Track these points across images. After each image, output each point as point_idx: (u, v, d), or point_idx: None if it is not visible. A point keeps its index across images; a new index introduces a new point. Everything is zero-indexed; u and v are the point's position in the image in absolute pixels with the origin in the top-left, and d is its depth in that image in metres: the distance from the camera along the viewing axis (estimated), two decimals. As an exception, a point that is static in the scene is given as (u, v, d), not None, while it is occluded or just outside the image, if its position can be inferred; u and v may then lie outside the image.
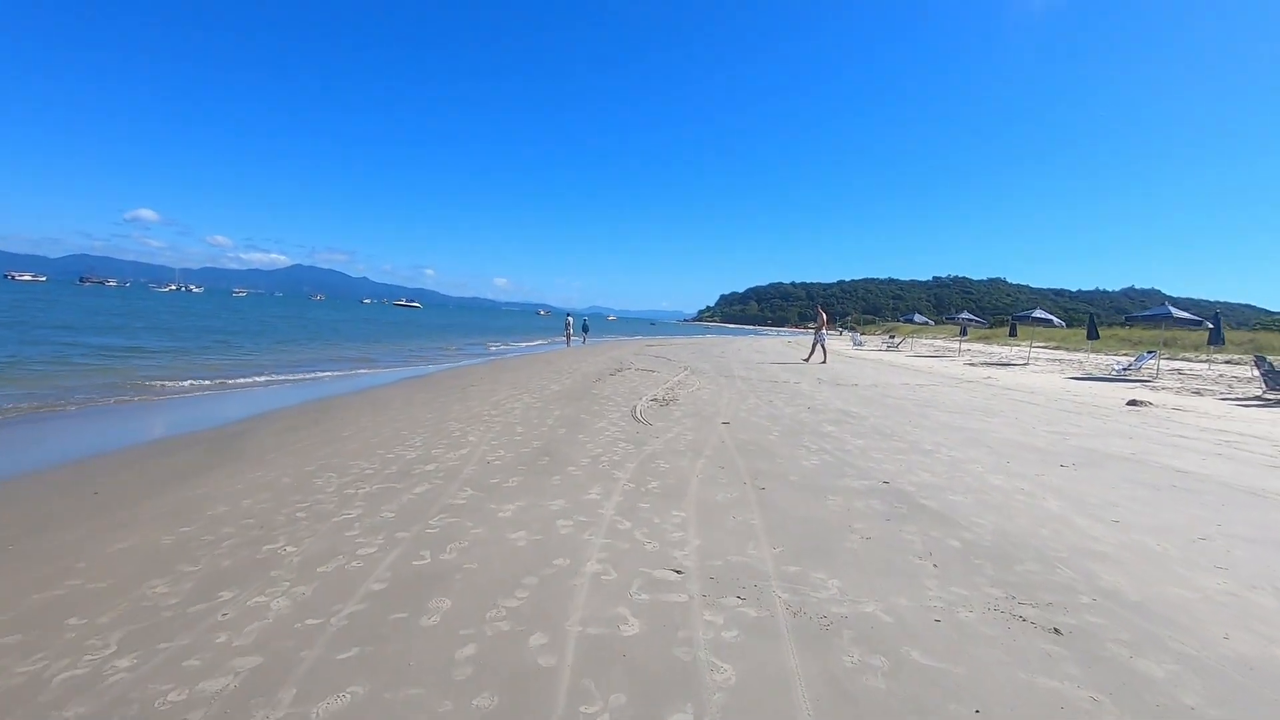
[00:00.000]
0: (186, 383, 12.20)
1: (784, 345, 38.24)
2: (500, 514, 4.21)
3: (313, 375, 14.53)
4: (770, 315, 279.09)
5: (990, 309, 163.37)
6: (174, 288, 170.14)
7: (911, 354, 27.54)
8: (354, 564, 3.37)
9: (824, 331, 19.99)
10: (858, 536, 3.86)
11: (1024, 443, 7.02)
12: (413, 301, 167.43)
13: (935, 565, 3.43)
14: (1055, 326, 21.60)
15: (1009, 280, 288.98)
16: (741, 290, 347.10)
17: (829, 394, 11.27)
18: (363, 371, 15.82)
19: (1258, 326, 36.83)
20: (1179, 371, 16.92)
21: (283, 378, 13.77)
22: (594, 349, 27.89)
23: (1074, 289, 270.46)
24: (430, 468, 5.48)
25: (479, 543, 3.69)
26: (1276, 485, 5.46)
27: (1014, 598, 3.05)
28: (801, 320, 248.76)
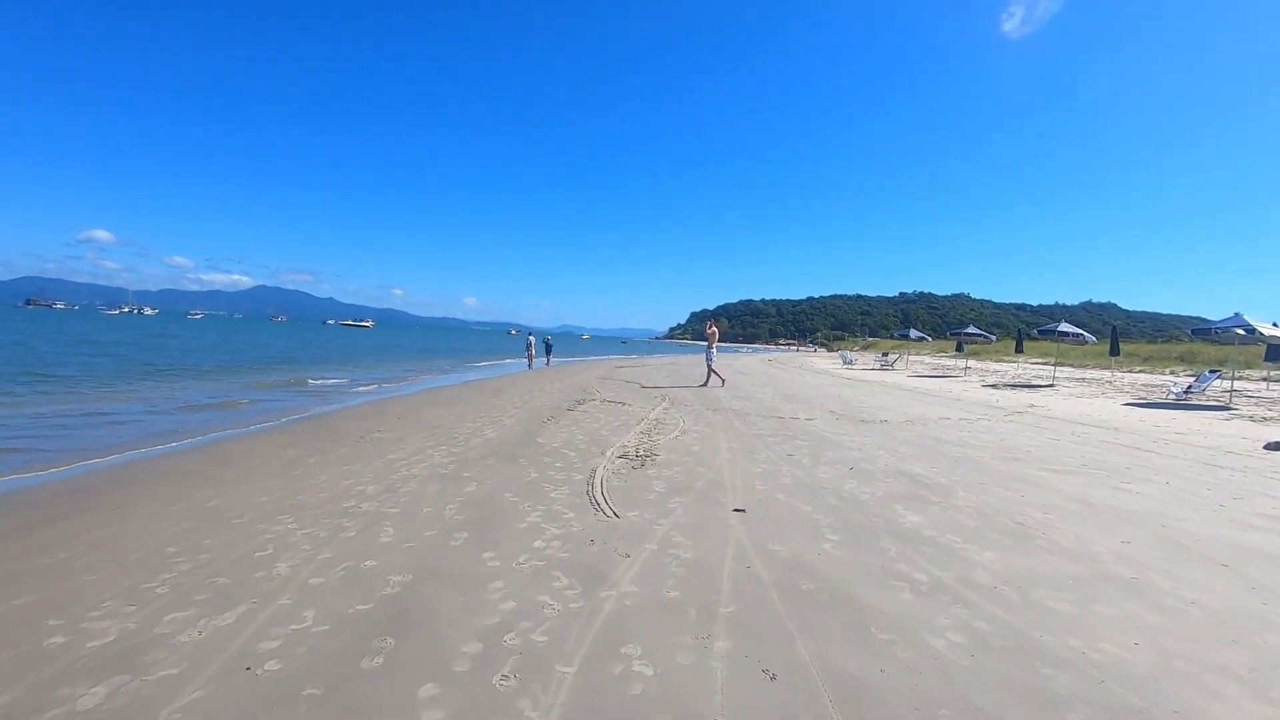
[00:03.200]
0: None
1: (765, 364, 35.51)
2: None
3: (173, 421, 11.11)
4: (741, 332, 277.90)
5: (955, 324, 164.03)
6: (126, 310, 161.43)
7: (911, 374, 24.88)
8: None
9: (713, 350, 16.94)
10: None
11: (1269, 552, 4.05)
12: (362, 321, 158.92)
13: None
14: (1088, 343, 19.08)
15: (972, 295, 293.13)
16: (712, 308, 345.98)
17: (863, 439, 8.29)
18: (237, 412, 12.33)
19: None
20: (1244, 393, 14.43)
21: (129, 427, 10.33)
22: (558, 372, 24.73)
23: (1035, 303, 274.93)
24: None
25: None
26: None
27: None
28: (772, 337, 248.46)
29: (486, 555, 3.82)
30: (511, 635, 2.80)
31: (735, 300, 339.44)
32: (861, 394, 15.43)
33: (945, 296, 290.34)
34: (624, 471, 6.16)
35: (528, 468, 6.34)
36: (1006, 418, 10.83)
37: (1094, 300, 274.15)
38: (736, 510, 4.79)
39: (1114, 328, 20.02)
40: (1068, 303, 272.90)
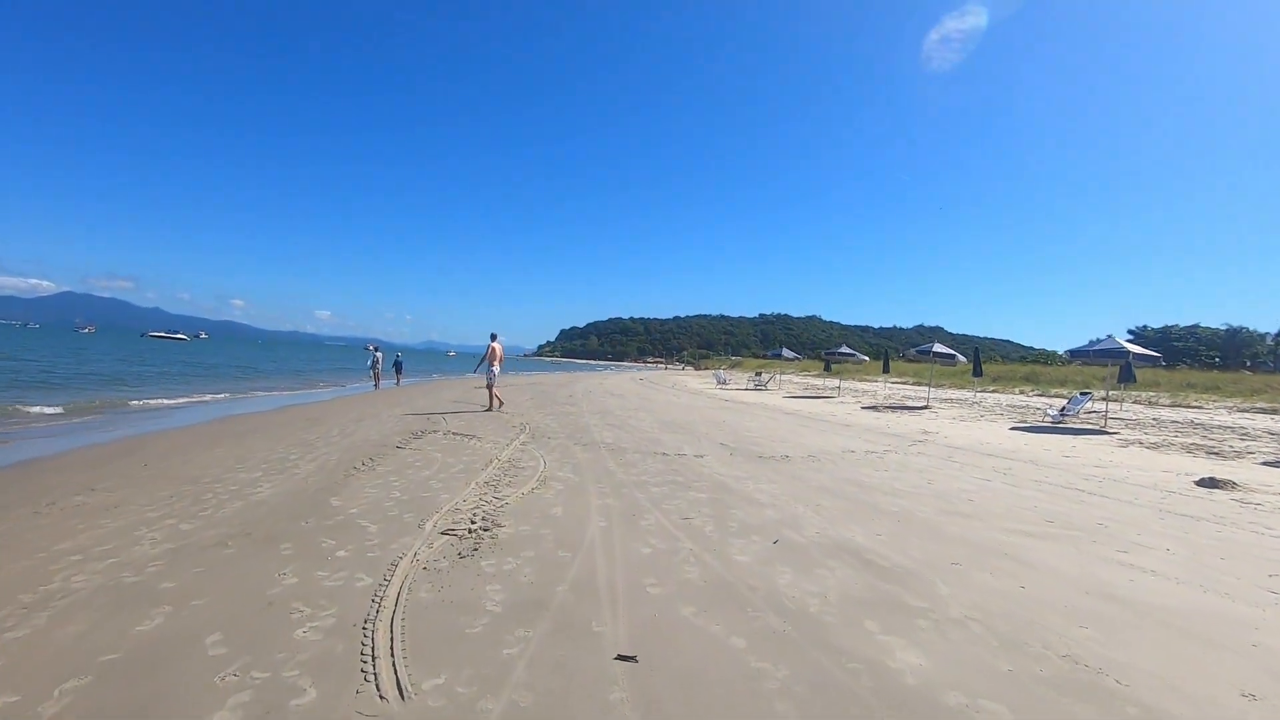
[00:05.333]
0: None
1: (637, 384, 34.08)
2: None
3: None
4: (610, 350, 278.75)
5: (809, 344, 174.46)
6: None
7: (786, 394, 24.33)
8: None
9: (495, 369, 13.98)
10: None
11: None
12: (177, 333, 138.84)
13: None
14: (959, 363, 19.24)
15: (823, 318, 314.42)
16: (582, 325, 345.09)
17: (771, 485, 6.62)
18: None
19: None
20: (1105, 414, 14.64)
21: None
22: (407, 393, 21.65)
23: (876, 325, 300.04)
24: None
25: None
26: None
27: None
28: (641, 355, 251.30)
29: None
30: None
31: (605, 318, 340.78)
32: (746, 420, 14.07)
33: (800, 318, 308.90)
34: (444, 564, 3.97)
35: (288, 562, 3.97)
36: (911, 448, 9.74)
37: (925, 324, 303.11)
38: (622, 659, 2.77)
39: (976, 350, 20.57)
40: (903, 325, 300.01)
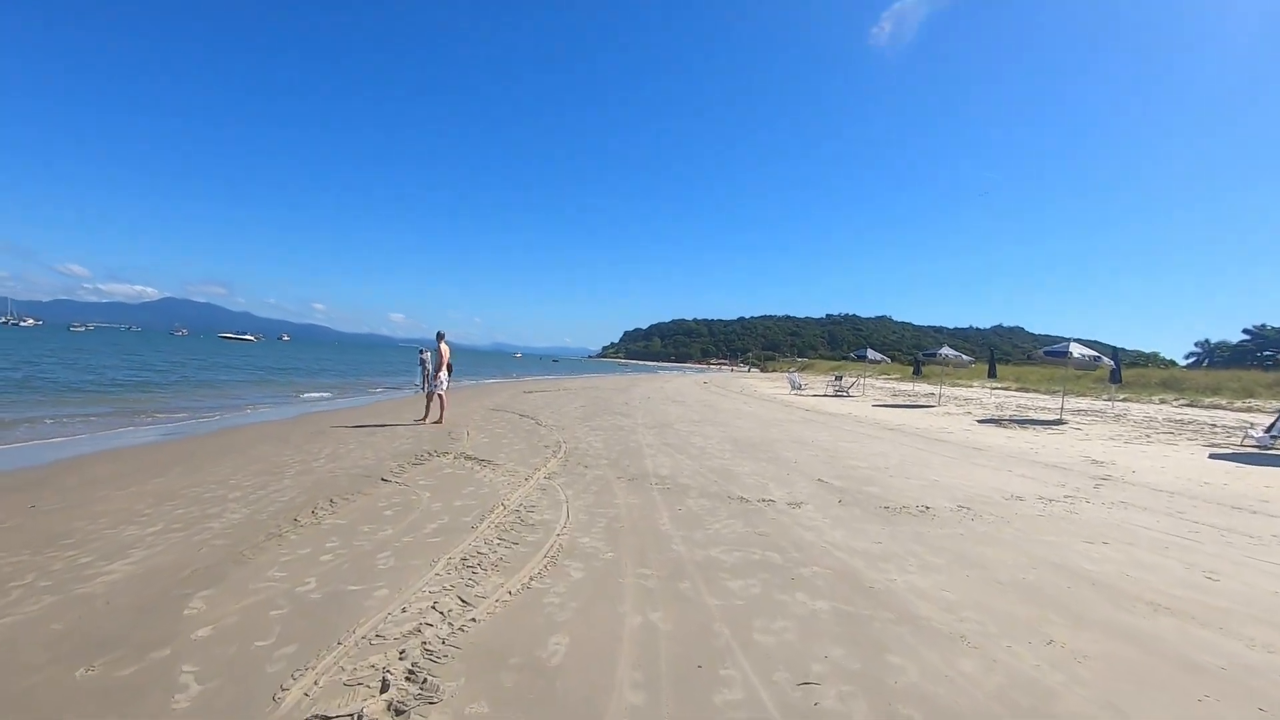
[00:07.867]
0: None
1: (701, 388, 31.37)
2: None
3: None
4: (674, 352, 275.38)
5: (879, 345, 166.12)
6: (2, 321, 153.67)
7: (876, 402, 21.02)
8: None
9: (443, 376, 11.68)
10: None
11: None
12: (245, 334, 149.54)
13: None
14: (1104, 364, 15.45)
15: (894, 318, 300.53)
16: (645, 327, 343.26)
17: (939, 579, 3.94)
18: None
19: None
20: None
21: None
22: (448, 398, 19.71)
23: (951, 326, 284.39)
24: None
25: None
26: None
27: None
28: (704, 356, 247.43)
29: None
30: None
31: (668, 319, 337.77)
32: (842, 439, 11.15)
33: (869, 318, 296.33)
34: None
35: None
36: (1098, 492, 6.74)
37: (1004, 324, 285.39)
38: None
39: (1115, 351, 16.77)
40: (981, 325, 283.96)
